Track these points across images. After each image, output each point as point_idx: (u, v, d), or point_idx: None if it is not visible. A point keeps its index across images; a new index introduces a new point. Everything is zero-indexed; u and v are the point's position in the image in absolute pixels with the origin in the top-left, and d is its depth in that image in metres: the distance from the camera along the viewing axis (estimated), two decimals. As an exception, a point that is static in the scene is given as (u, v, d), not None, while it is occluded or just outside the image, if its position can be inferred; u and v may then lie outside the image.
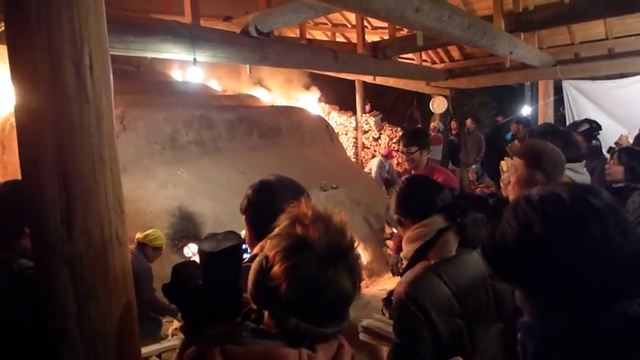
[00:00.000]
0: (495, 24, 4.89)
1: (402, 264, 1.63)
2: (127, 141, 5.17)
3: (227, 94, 8.92)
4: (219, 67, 8.76)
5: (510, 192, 1.99)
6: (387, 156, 9.15)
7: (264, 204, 1.51)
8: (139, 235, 4.02)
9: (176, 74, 9.00)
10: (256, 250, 1.11)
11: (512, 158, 2.20)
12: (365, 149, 10.51)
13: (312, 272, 0.92)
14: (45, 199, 1.39)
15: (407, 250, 1.53)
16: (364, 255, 6.05)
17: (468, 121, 9.21)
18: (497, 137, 9.49)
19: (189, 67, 4.57)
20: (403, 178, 1.81)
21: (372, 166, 8.94)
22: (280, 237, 0.97)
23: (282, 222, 1.00)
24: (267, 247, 0.97)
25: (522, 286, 0.83)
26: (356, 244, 1.02)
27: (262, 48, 4.57)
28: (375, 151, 10.26)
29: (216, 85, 9.72)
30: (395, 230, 1.79)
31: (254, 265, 0.99)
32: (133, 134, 5.26)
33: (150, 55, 3.85)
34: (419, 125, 9.21)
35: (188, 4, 4.15)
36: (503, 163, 2.92)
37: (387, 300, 1.46)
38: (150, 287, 4.09)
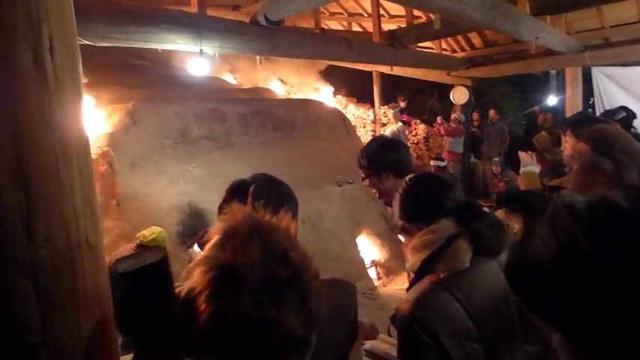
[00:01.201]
0: (519, 7, 4.59)
1: (410, 277, 1.41)
2: (138, 136, 5.08)
3: (242, 87, 8.78)
4: (235, 60, 8.62)
5: (571, 181, 1.75)
6: (407, 120, 8.95)
7: None
8: (140, 237, 3.89)
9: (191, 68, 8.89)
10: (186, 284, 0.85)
11: (536, 150, 1.96)
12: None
13: (245, 315, 0.71)
14: (2, 202, 1.23)
15: (412, 261, 1.32)
16: (381, 253, 5.84)
17: (491, 112, 8.86)
18: (532, 128, 9.10)
19: (196, 59, 4.43)
20: (407, 177, 1.58)
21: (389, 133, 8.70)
22: (205, 266, 0.76)
23: (213, 237, 0.80)
24: (192, 280, 0.76)
25: (560, 325, 0.60)
26: (306, 265, 0.78)
27: (272, 38, 4.39)
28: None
29: (231, 79, 9.59)
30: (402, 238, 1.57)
31: (178, 304, 0.79)
32: (144, 129, 5.15)
33: (153, 46, 3.71)
34: (438, 119, 8.83)
35: (194, -7, 3.99)
36: (521, 153, 2.67)
37: (395, 318, 1.25)
38: None
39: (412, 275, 1.33)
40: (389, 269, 5.76)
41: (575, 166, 1.74)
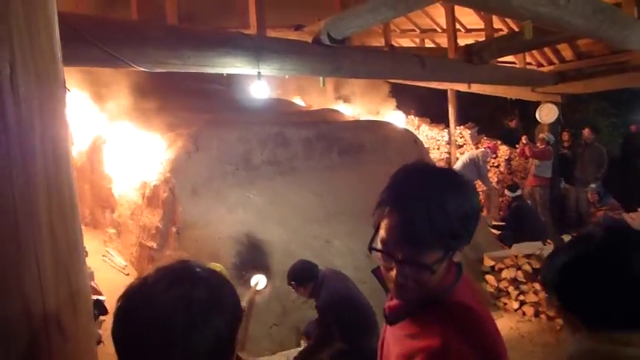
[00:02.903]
0: (625, 11, 3.89)
1: None
2: (199, 162, 4.95)
3: (309, 109, 8.57)
4: (303, 81, 8.45)
5: None
6: (492, 149, 8.15)
7: None
8: None
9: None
10: None
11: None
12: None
13: None
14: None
15: None
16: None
17: (586, 131, 7.87)
18: (631, 150, 8.01)
19: (258, 82, 4.21)
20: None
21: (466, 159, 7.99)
22: None
23: None
24: None
25: None
26: None
27: (336, 57, 4.07)
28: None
29: (299, 101, 9.44)
30: None
31: None
32: (206, 154, 5.02)
33: (209, 70, 3.52)
34: (523, 139, 7.96)
35: (253, 14, 3.78)
36: None
37: None
38: None
39: None
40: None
41: None
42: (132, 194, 5.30)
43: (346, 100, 9.20)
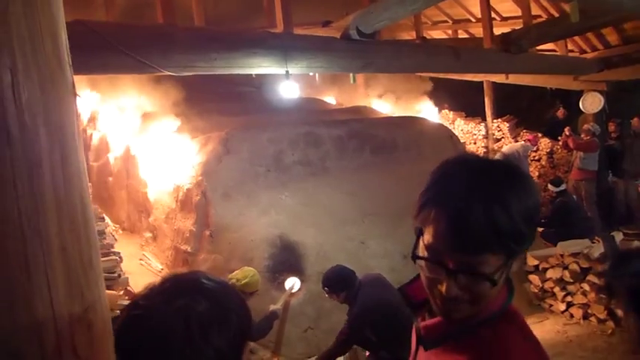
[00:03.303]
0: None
1: None
2: (231, 164, 4.93)
3: (341, 107, 8.46)
4: (334, 79, 8.35)
5: None
6: (533, 142, 7.77)
7: None
8: (232, 279, 3.58)
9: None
10: None
11: None
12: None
13: None
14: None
15: None
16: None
17: (635, 121, 7.42)
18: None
19: (287, 81, 4.14)
20: None
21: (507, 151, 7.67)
22: None
23: None
24: None
25: None
26: None
27: (365, 52, 3.94)
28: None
29: (331, 99, 9.34)
30: None
31: None
32: (237, 157, 5.00)
33: (237, 71, 3.47)
34: (566, 130, 7.57)
35: (279, 12, 3.70)
36: None
37: None
38: (255, 323, 3.66)
39: None
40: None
41: None
42: (166, 198, 5.35)
43: (379, 95, 9.04)
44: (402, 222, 4.87)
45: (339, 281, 3.32)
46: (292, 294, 4.13)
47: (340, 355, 3.37)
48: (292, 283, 4.15)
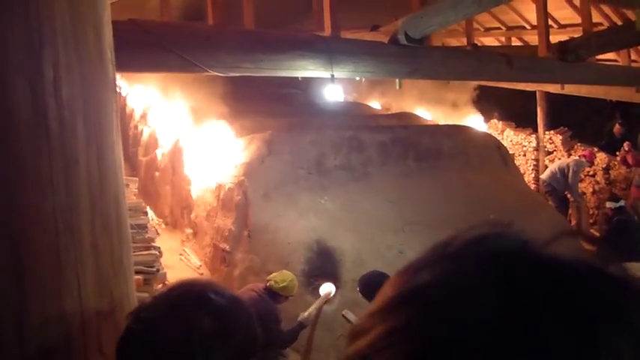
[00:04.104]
0: None
1: None
2: (272, 165, 4.96)
3: (386, 113, 8.36)
4: (381, 84, 8.26)
5: None
6: (588, 158, 7.33)
7: None
8: (271, 281, 3.58)
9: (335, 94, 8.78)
10: None
11: None
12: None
13: None
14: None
15: None
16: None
17: None
18: None
19: (331, 85, 4.12)
20: None
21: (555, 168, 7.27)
22: None
23: None
24: None
25: None
26: None
27: (413, 58, 3.85)
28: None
29: (376, 105, 9.26)
30: None
31: None
32: (279, 158, 5.03)
33: (282, 73, 3.48)
34: (625, 145, 7.12)
35: (327, 15, 3.68)
36: None
37: None
38: (281, 330, 3.66)
39: None
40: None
41: None
42: (208, 196, 5.45)
43: (425, 102, 8.86)
44: (443, 233, 4.59)
45: (372, 286, 3.26)
46: (327, 300, 4.08)
47: None
48: (327, 289, 4.11)
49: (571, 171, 7.07)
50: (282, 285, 3.56)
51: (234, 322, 0.78)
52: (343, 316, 3.60)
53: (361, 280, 3.46)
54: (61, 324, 0.89)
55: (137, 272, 3.25)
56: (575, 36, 5.92)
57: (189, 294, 0.79)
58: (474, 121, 8.59)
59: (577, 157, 7.49)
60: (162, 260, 3.94)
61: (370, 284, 3.33)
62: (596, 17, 6.07)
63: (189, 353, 0.72)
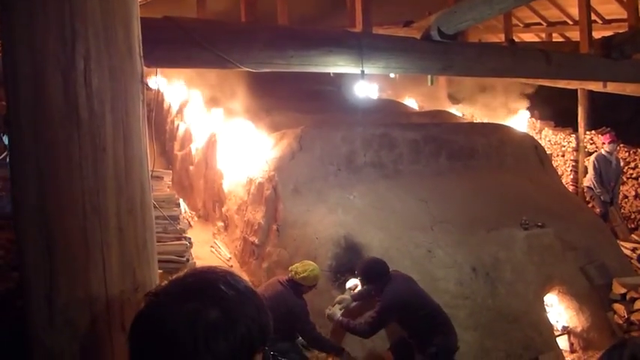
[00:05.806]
0: None
1: None
2: (303, 161, 5.00)
3: (420, 110, 8.26)
4: (416, 81, 8.16)
5: None
6: (608, 139, 7.06)
7: None
8: (292, 271, 3.66)
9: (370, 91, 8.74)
10: None
11: None
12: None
13: None
14: (27, 263, 0.97)
15: None
16: (578, 319, 4.58)
17: None
18: None
19: (363, 81, 4.11)
20: None
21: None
22: None
23: None
24: None
25: None
26: None
27: (446, 54, 3.80)
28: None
29: (412, 102, 9.16)
30: None
31: None
32: (309, 154, 5.06)
33: (312, 69, 3.50)
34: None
35: (359, 11, 3.68)
36: None
37: None
38: (309, 322, 3.72)
39: None
40: (587, 342, 4.47)
41: None
42: (239, 190, 5.55)
43: (463, 101, 8.71)
44: (474, 233, 4.65)
45: (370, 272, 3.64)
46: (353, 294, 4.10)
47: (360, 335, 3.65)
48: (353, 283, 4.13)
49: (611, 155, 6.93)
50: (302, 275, 3.64)
51: (239, 315, 0.79)
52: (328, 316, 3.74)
53: (360, 264, 3.78)
54: (87, 301, 0.94)
55: (168, 261, 3.37)
56: (620, 32, 5.67)
57: (200, 282, 0.81)
58: (513, 119, 8.37)
59: (602, 150, 7.25)
60: (193, 251, 4.05)
61: (369, 270, 3.66)
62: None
63: (192, 340, 0.74)
